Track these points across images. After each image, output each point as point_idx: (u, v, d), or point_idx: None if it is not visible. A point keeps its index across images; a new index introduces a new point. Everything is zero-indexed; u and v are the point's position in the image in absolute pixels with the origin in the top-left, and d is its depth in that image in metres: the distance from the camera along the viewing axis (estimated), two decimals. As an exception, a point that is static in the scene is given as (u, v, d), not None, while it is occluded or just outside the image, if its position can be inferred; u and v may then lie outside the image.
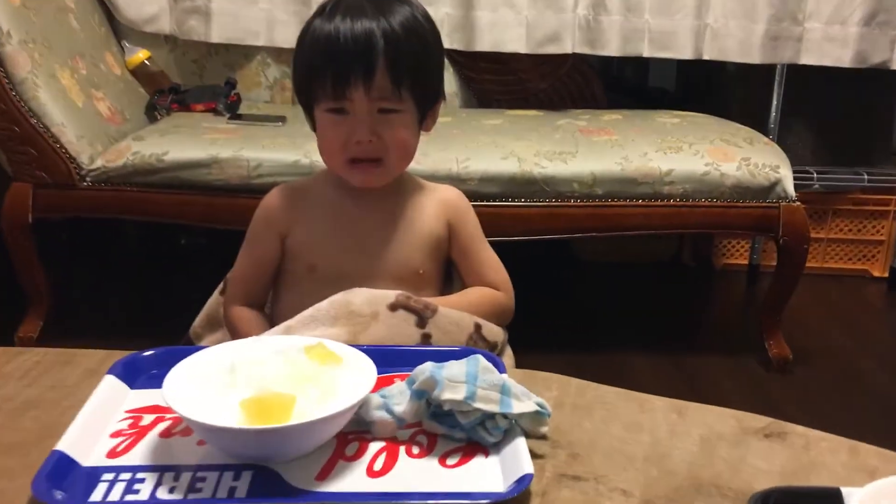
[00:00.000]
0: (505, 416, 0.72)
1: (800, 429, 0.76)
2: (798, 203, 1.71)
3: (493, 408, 0.71)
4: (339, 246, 1.01)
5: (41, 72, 1.64)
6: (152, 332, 1.72)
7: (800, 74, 2.21)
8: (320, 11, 0.97)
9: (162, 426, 0.74)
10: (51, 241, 2.14)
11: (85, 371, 0.84)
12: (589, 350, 1.87)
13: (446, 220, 1.05)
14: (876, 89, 2.31)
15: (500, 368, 0.80)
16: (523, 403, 0.73)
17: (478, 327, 0.96)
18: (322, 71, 0.93)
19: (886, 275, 2.35)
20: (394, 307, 0.92)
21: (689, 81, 2.74)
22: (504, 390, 0.73)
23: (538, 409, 0.73)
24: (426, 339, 0.93)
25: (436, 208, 1.05)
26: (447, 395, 0.71)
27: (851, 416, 1.62)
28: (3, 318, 1.82)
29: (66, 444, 0.68)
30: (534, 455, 0.68)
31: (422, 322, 0.92)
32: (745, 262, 2.40)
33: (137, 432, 0.73)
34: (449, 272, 1.10)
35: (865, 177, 2.27)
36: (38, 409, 0.76)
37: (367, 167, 0.97)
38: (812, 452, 0.73)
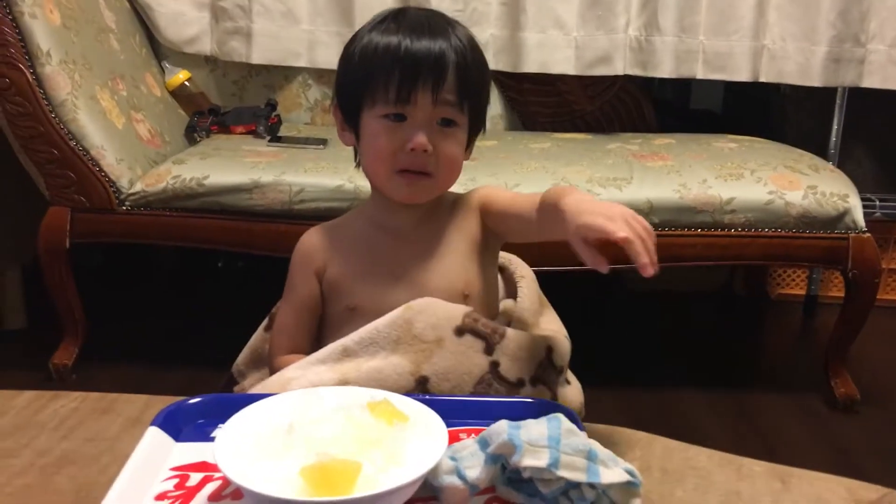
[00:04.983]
0: (592, 485, 0.64)
1: (921, 503, 0.68)
2: (868, 234, 1.61)
3: (579, 477, 0.64)
4: (377, 283, 0.95)
5: (81, 93, 1.60)
6: (191, 362, 1.68)
7: (858, 97, 2.11)
8: (374, 26, 0.92)
9: (211, 487, 0.68)
10: (85, 263, 2.11)
11: (126, 420, 0.78)
12: (640, 385, 1.78)
13: (476, 209, 0.98)
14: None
15: (580, 426, 0.73)
16: (612, 472, 0.65)
17: (549, 352, 0.89)
18: (388, 73, 0.88)
19: (951, 307, 2.24)
20: (460, 331, 0.85)
21: (736, 104, 2.65)
22: (591, 456, 0.65)
23: (629, 478, 0.65)
24: (494, 367, 0.86)
25: (465, 210, 0.99)
26: (528, 461, 0.64)
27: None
28: (38, 343, 1.77)
29: (107, 510, 0.62)
30: (625, 531, 0.60)
31: (489, 349, 0.86)
32: (802, 292, 2.30)
33: (184, 494, 0.67)
34: (509, 291, 1.04)
35: (930, 204, 2.17)
36: (75, 465, 0.70)
37: (415, 178, 0.91)
38: (939, 532, 0.65)
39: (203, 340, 1.88)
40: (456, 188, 1.59)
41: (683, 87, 2.77)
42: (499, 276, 1.08)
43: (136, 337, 1.96)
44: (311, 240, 1.00)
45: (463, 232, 0.98)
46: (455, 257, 0.96)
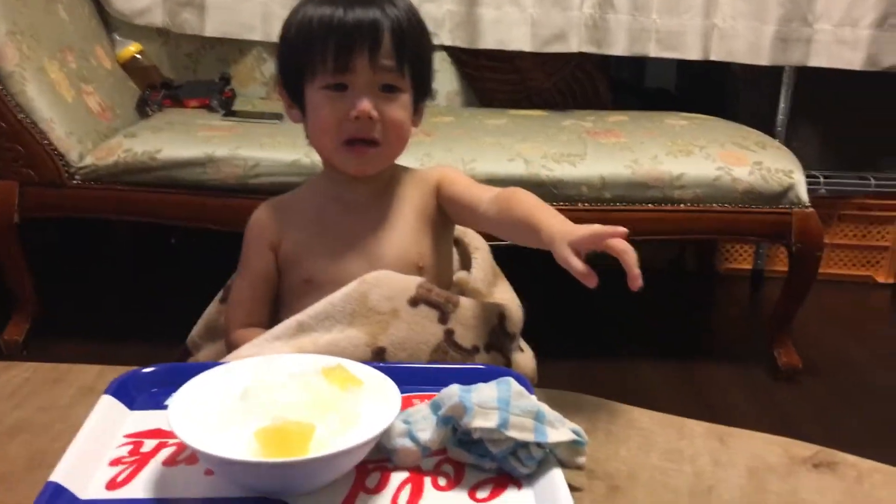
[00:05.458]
0: (539, 445, 0.66)
1: (850, 458, 0.71)
2: (811, 209, 1.67)
3: (527, 436, 0.66)
4: (330, 255, 0.96)
5: (29, 65, 1.57)
6: (144, 336, 1.67)
7: (807, 76, 2.17)
8: (308, 1, 0.93)
9: (165, 453, 0.68)
10: (38, 239, 2.08)
11: (79, 389, 0.78)
12: (594, 355, 1.82)
13: (434, 187, 0.99)
14: (884, 93, 2.27)
15: (530, 390, 0.75)
16: (559, 431, 0.67)
17: (501, 318, 0.91)
18: (324, 43, 0.89)
19: (891, 280, 2.32)
20: (414, 301, 0.87)
21: (690, 82, 2.70)
22: (538, 417, 0.67)
23: (575, 437, 0.67)
24: (449, 335, 0.87)
25: (422, 186, 1.00)
26: (478, 422, 0.66)
27: (865, 427, 1.58)
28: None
29: (61, 475, 0.62)
30: (571, 488, 0.63)
31: (444, 317, 0.87)
32: (749, 266, 2.36)
33: (138, 460, 0.67)
34: (464, 263, 1.05)
35: (872, 181, 2.24)
36: (28, 432, 0.70)
37: (363, 149, 0.92)
38: (866, 485, 0.68)
39: (157, 315, 1.86)
40: (410, 163, 1.59)
41: (639, 65, 2.81)
42: (454, 249, 1.09)
43: (90, 313, 1.94)
44: (265, 214, 1.01)
45: (418, 206, 0.99)
46: (409, 230, 0.98)
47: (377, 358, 0.85)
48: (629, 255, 0.76)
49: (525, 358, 0.95)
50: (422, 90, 0.98)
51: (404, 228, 0.97)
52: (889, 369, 1.86)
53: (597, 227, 0.77)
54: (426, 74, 0.98)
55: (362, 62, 0.89)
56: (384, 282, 0.87)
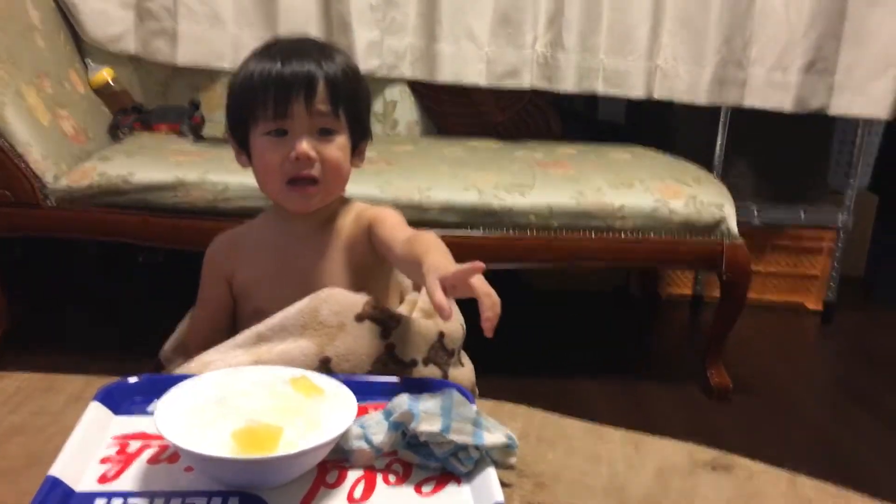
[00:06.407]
0: (477, 447, 0.77)
1: (743, 461, 0.83)
2: (741, 241, 1.80)
3: (466, 440, 0.76)
4: (280, 287, 1.05)
5: (8, 90, 1.65)
6: (112, 350, 1.74)
7: (743, 114, 2.32)
8: (251, 58, 1.03)
9: (149, 452, 0.78)
10: (4, 254, 2.13)
11: (69, 397, 0.87)
12: (543, 377, 1.93)
13: (366, 226, 1.07)
14: (813, 131, 2.44)
15: (471, 400, 0.86)
16: (494, 436, 0.78)
17: (441, 336, 1.00)
18: (263, 92, 0.99)
19: (820, 308, 2.48)
20: (360, 318, 0.96)
21: (638, 116, 2.85)
22: (476, 423, 0.78)
23: (507, 441, 0.78)
24: (390, 349, 0.97)
25: (358, 223, 1.08)
26: (424, 427, 0.76)
27: (787, 444, 1.71)
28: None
29: (58, 470, 0.71)
30: (502, 484, 0.73)
31: (386, 332, 0.97)
32: (689, 292, 2.51)
33: (125, 458, 0.76)
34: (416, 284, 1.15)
35: (802, 214, 2.40)
36: (24, 435, 0.79)
37: (305, 188, 1.01)
38: (755, 484, 0.80)
39: (124, 330, 1.94)
40: (371, 190, 1.70)
41: (592, 99, 2.95)
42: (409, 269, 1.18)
43: (58, 327, 2.00)
44: (220, 247, 1.10)
45: (351, 241, 1.08)
46: (345, 263, 1.07)
47: (323, 367, 0.94)
48: (487, 299, 0.79)
49: (464, 372, 1.05)
50: (359, 133, 1.08)
51: (341, 261, 1.07)
52: (812, 389, 2.01)
53: (462, 266, 0.82)
54: (362, 118, 1.07)
55: (299, 108, 0.99)
56: (333, 298, 0.97)
